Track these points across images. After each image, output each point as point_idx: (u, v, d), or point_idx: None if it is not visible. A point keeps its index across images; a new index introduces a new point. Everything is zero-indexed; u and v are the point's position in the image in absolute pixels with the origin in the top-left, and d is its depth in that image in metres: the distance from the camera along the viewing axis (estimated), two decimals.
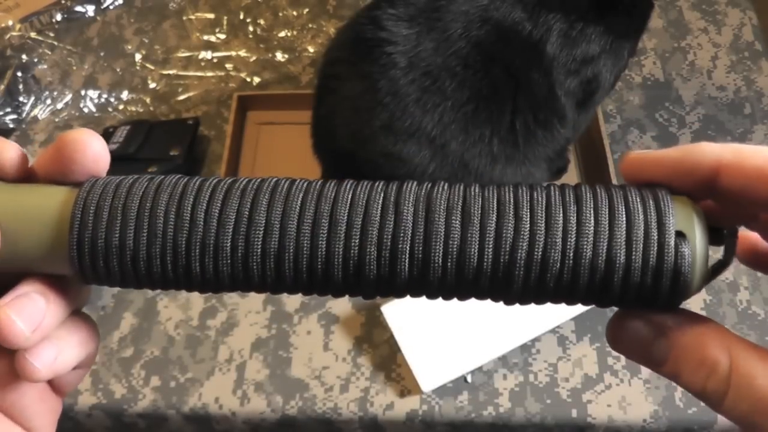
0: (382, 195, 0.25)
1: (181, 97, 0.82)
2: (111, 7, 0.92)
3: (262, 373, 0.63)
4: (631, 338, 0.25)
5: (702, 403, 0.27)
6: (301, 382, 0.62)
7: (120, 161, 0.72)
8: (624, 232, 0.23)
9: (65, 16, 0.90)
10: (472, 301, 0.27)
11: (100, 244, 0.25)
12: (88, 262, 0.25)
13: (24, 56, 0.86)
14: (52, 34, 0.89)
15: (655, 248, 0.23)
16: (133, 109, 0.82)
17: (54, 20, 0.90)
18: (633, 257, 0.23)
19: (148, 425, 0.64)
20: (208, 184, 0.26)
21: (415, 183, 0.26)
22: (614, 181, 0.67)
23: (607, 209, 0.24)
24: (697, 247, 0.23)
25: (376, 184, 0.26)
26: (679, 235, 0.23)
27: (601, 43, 0.56)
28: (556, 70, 0.56)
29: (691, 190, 0.24)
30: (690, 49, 0.83)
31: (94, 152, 0.26)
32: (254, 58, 0.85)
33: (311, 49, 0.85)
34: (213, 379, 0.63)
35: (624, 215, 0.24)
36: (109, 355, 0.65)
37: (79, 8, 0.91)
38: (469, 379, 0.61)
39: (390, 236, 0.24)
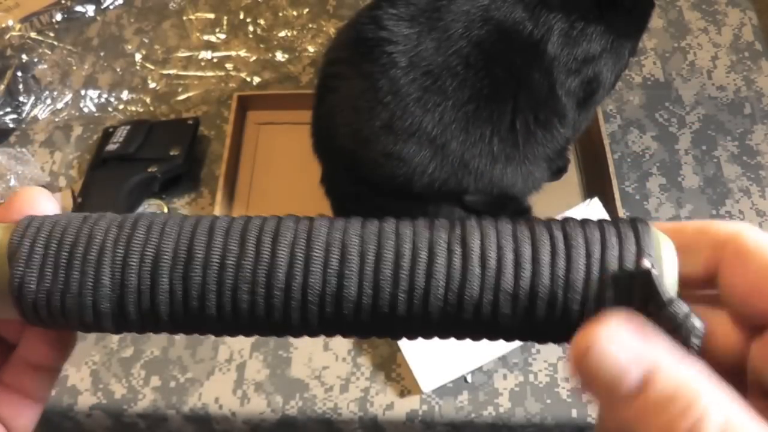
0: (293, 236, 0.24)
1: (181, 97, 0.82)
2: (111, 7, 0.92)
3: (262, 373, 0.63)
4: (602, 359, 0.19)
5: None
6: (301, 382, 0.62)
7: (120, 161, 0.72)
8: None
9: (65, 16, 0.90)
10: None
11: (36, 288, 0.23)
12: (31, 306, 0.24)
13: (24, 56, 0.86)
14: (52, 34, 0.89)
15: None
16: (133, 109, 0.82)
17: (54, 20, 0.90)
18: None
19: (148, 425, 0.64)
20: (142, 223, 0.24)
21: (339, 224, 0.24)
22: (614, 181, 0.67)
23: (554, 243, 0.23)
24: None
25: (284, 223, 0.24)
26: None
27: (602, 42, 0.56)
28: (557, 69, 0.56)
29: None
30: (690, 49, 0.83)
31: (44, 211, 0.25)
32: (254, 58, 0.85)
33: (311, 49, 0.85)
34: (213, 379, 0.63)
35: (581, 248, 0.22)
36: (109, 355, 0.65)
37: (79, 8, 0.91)
38: (469, 379, 0.61)
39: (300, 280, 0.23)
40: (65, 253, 0.24)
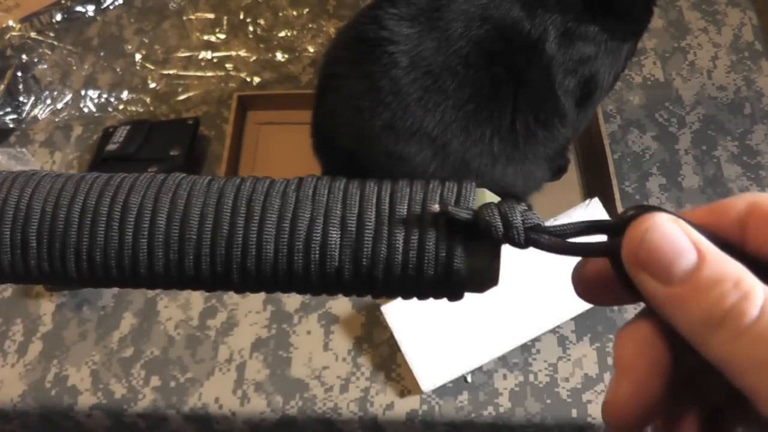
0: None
1: (181, 97, 0.82)
2: (111, 7, 0.92)
3: (262, 373, 0.63)
4: (658, 241, 0.20)
5: None
6: (301, 382, 0.62)
7: (120, 161, 0.72)
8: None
9: (65, 16, 0.90)
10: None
11: None
12: None
13: (24, 56, 0.86)
14: (52, 34, 0.89)
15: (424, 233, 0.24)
16: (133, 109, 0.82)
17: (54, 20, 0.90)
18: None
19: (148, 425, 0.64)
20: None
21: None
22: (614, 181, 0.67)
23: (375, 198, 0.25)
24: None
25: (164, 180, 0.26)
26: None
27: (597, 43, 0.56)
28: (555, 69, 0.56)
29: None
30: (690, 49, 0.83)
31: None
32: (254, 58, 0.85)
33: (311, 49, 0.85)
34: (213, 379, 0.63)
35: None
36: (109, 355, 0.65)
37: (79, 8, 0.91)
38: (469, 379, 0.61)
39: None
40: None
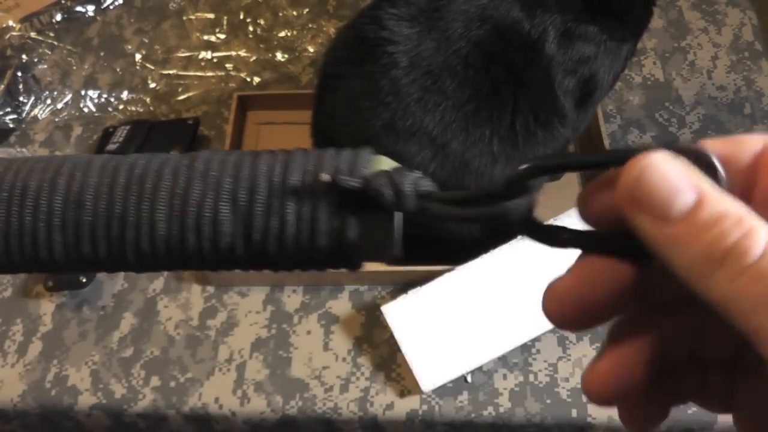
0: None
1: (181, 97, 0.82)
2: (111, 7, 0.92)
3: (262, 373, 0.63)
4: (656, 177, 0.19)
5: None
6: (301, 382, 0.62)
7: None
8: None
9: (65, 16, 0.90)
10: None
11: None
12: None
13: (24, 56, 0.86)
14: (52, 34, 0.89)
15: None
16: (133, 109, 0.82)
17: (54, 20, 0.90)
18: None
19: (148, 425, 0.64)
20: None
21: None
22: None
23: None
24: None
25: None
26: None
27: (596, 43, 0.56)
28: (555, 69, 0.56)
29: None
30: (690, 49, 0.83)
31: None
32: (254, 58, 0.85)
33: (311, 49, 0.85)
34: (213, 379, 0.63)
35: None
36: (109, 355, 0.65)
37: (79, 8, 0.91)
38: (469, 379, 0.61)
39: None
40: None
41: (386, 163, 0.25)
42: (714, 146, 0.21)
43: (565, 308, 0.22)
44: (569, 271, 0.22)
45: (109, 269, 0.26)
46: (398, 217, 0.25)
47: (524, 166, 0.22)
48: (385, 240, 0.25)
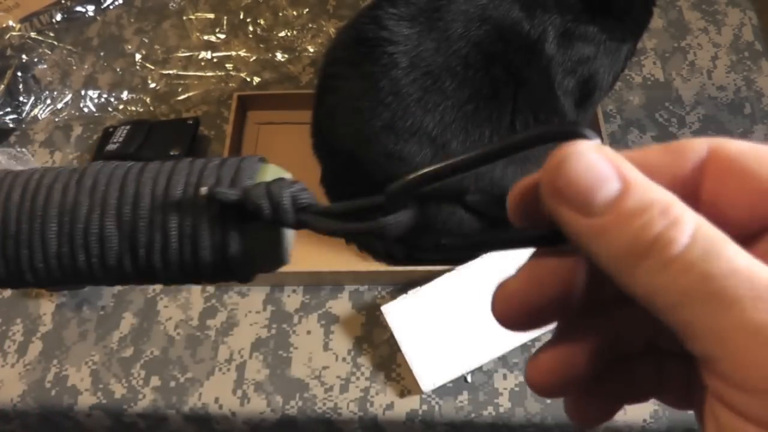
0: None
1: (181, 97, 0.82)
2: (111, 7, 0.92)
3: (262, 373, 0.63)
4: (578, 167, 0.18)
5: None
6: (301, 382, 0.62)
7: (120, 161, 0.72)
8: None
9: (65, 16, 0.90)
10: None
11: None
12: None
13: (24, 56, 0.86)
14: (52, 34, 0.89)
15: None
16: (133, 109, 0.82)
17: (54, 20, 0.90)
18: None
19: (148, 425, 0.64)
20: None
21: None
22: None
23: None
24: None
25: None
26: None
27: (596, 44, 0.56)
28: (554, 69, 0.56)
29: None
30: (690, 49, 0.83)
31: None
32: (254, 58, 0.85)
33: (311, 49, 0.85)
34: (213, 379, 0.63)
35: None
36: (109, 355, 0.65)
37: (79, 8, 0.91)
38: (469, 379, 0.61)
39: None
40: None
41: (272, 173, 0.25)
42: (649, 156, 0.20)
43: (512, 310, 0.21)
44: (518, 271, 0.21)
45: (12, 286, 0.26)
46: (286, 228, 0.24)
47: (402, 181, 0.21)
48: (273, 253, 0.24)
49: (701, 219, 0.17)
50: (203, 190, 0.23)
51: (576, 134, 0.19)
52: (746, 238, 0.19)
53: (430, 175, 0.21)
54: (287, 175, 0.25)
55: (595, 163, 0.18)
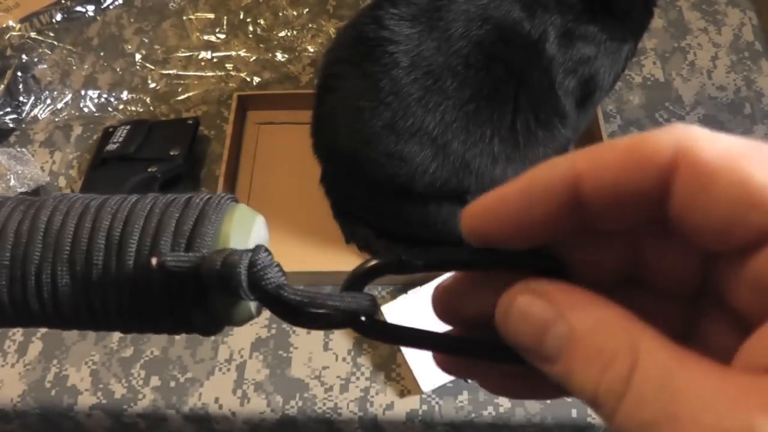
0: None
1: (181, 97, 0.82)
2: (111, 7, 0.92)
3: (262, 373, 0.63)
4: (519, 321, 0.18)
5: None
6: (301, 382, 0.62)
7: (120, 161, 0.72)
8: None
9: (65, 16, 0.90)
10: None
11: None
12: None
13: (24, 56, 0.86)
14: (52, 34, 0.89)
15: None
16: (133, 109, 0.82)
17: (54, 20, 0.90)
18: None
19: (148, 425, 0.64)
20: None
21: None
22: None
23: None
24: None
25: None
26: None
27: (597, 44, 0.56)
28: (555, 69, 0.56)
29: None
30: (690, 49, 0.83)
31: None
32: (254, 58, 0.85)
33: (311, 49, 0.85)
34: (213, 379, 0.63)
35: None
36: (109, 355, 0.64)
37: (79, 8, 0.91)
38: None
39: None
40: None
41: (239, 218, 0.23)
42: (615, 160, 0.18)
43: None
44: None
45: None
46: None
47: (358, 269, 0.20)
48: (234, 314, 0.23)
49: (661, 351, 0.16)
50: (153, 260, 0.21)
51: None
52: (729, 256, 0.18)
53: (381, 268, 0.20)
54: (259, 219, 0.23)
55: (533, 311, 0.18)
